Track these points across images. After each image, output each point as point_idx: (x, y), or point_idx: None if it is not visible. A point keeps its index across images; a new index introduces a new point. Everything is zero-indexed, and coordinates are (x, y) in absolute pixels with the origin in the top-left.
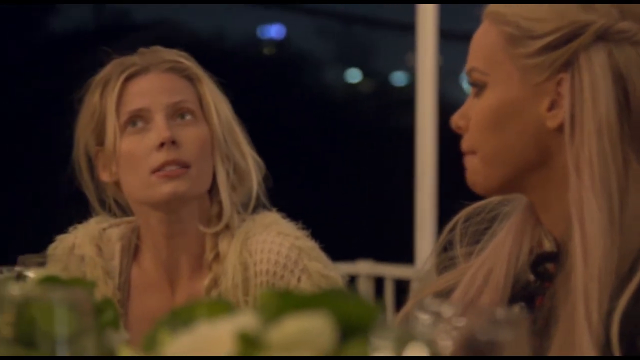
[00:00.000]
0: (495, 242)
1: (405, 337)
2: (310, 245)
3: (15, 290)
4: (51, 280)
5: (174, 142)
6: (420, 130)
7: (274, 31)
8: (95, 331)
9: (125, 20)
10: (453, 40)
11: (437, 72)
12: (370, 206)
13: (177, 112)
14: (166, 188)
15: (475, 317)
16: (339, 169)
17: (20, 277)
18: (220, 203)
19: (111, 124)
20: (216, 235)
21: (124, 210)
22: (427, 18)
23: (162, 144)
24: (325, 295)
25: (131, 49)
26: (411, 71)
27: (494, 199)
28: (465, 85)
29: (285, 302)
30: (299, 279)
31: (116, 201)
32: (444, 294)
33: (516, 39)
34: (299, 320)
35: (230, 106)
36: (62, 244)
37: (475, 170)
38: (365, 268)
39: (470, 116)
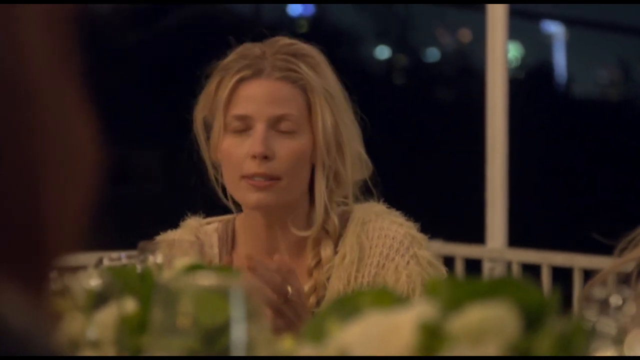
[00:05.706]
0: None
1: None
2: (421, 236)
3: (194, 280)
4: (197, 268)
5: (266, 157)
6: (490, 108)
7: (303, 8)
8: (256, 318)
9: None
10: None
11: (506, 49)
12: (437, 185)
13: (279, 123)
14: (252, 197)
15: None
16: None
17: (99, 263)
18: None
19: (219, 120)
20: (318, 240)
21: None
22: None
23: (254, 156)
24: (502, 283)
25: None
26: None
27: None
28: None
29: (460, 290)
30: (407, 263)
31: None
32: None
33: None
34: (483, 309)
35: (346, 107)
36: (163, 238)
37: None
38: (435, 247)
39: None
